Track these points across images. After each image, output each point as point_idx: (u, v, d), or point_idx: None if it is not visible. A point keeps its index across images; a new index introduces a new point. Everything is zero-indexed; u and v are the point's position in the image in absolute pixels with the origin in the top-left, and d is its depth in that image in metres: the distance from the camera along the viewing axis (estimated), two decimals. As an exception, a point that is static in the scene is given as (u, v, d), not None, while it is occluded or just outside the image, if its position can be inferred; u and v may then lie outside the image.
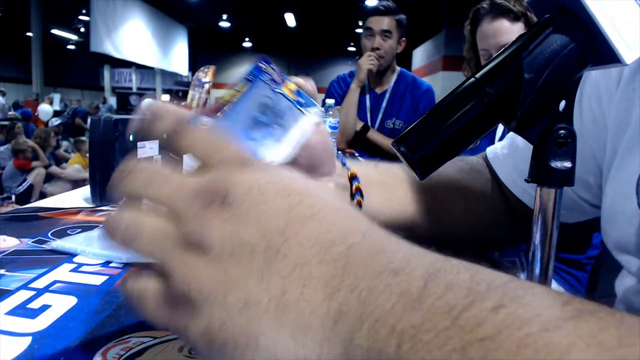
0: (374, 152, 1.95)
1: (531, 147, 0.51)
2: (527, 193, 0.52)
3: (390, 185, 0.51)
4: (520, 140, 0.52)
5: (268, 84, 0.32)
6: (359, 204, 0.42)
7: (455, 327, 0.15)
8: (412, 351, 0.16)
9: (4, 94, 9.69)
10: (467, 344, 0.15)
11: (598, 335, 0.15)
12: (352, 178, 0.45)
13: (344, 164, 0.47)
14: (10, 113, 8.71)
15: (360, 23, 2.09)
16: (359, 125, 1.91)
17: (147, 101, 0.28)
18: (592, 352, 0.14)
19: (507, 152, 0.54)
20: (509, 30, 1.25)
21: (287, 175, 0.22)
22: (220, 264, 0.19)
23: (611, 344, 0.14)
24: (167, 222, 0.20)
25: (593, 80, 0.46)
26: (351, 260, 0.19)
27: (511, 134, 0.54)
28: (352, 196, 0.43)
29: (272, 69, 0.32)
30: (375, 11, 1.89)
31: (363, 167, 0.50)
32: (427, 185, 0.52)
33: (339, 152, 0.40)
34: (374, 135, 1.92)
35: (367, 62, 1.85)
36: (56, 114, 8.78)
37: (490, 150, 0.57)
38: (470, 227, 0.54)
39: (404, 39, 1.94)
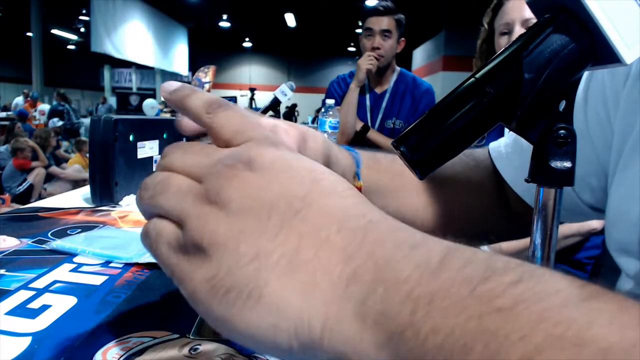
0: (374, 152, 1.95)
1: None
2: (530, 193, 0.52)
3: (400, 192, 0.52)
4: (524, 140, 0.52)
5: None
6: None
7: (472, 298, 0.15)
8: (427, 317, 0.16)
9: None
10: (484, 314, 0.15)
11: (618, 314, 0.14)
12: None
13: (357, 175, 0.47)
14: (9, 113, 8.68)
15: (360, 23, 2.09)
16: (359, 125, 1.91)
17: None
18: (614, 330, 0.14)
19: (512, 150, 0.54)
20: None
21: (309, 160, 0.22)
22: (237, 219, 0.19)
23: (632, 323, 0.14)
24: (193, 182, 0.21)
25: (599, 82, 0.46)
26: (370, 232, 0.19)
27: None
28: None
29: None
30: (375, 11, 1.89)
31: (374, 173, 0.49)
32: (435, 188, 0.52)
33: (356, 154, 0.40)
34: (374, 135, 1.92)
35: (367, 62, 1.85)
36: (55, 114, 8.76)
37: (493, 148, 0.57)
38: (467, 223, 0.54)
39: (403, 38, 1.94)
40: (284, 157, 0.21)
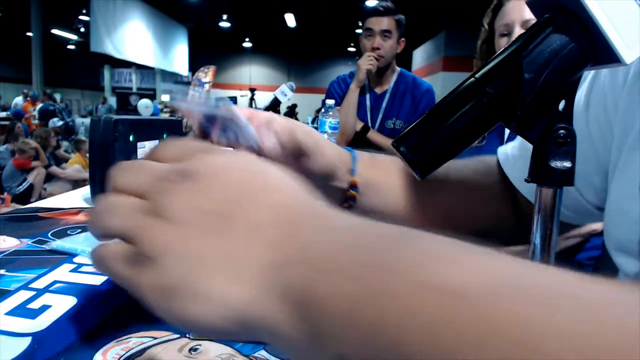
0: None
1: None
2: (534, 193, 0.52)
3: (394, 189, 0.52)
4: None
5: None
6: (348, 207, 0.49)
7: (362, 267, 0.19)
8: (322, 284, 0.19)
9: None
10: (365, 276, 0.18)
11: (481, 266, 0.17)
12: (352, 186, 0.48)
13: (352, 170, 0.49)
14: (8, 113, 8.67)
15: (360, 23, 2.09)
16: (359, 125, 1.91)
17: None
18: (472, 276, 0.16)
19: (518, 153, 0.54)
20: None
21: (245, 158, 0.26)
22: (181, 228, 0.22)
23: (492, 272, 0.16)
24: (138, 200, 0.24)
25: (600, 88, 0.46)
26: (298, 223, 0.22)
27: None
28: (345, 201, 0.48)
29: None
30: (375, 11, 1.89)
31: (369, 169, 0.51)
32: (434, 187, 0.53)
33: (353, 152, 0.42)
34: (373, 135, 1.92)
35: (366, 62, 1.85)
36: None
37: (501, 152, 0.58)
38: (464, 222, 0.55)
39: (403, 39, 1.94)
40: (217, 162, 0.24)
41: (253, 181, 0.24)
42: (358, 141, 1.93)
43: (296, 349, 0.20)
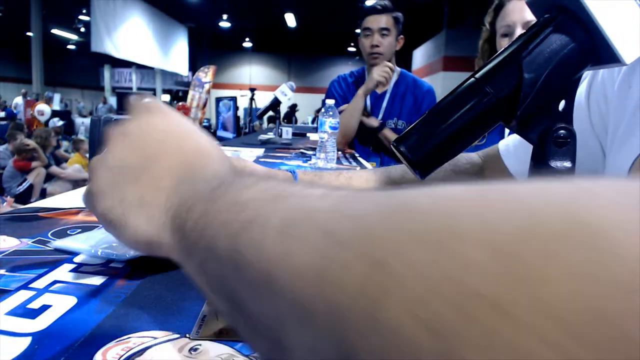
0: (375, 151, 1.96)
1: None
2: None
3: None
4: None
5: None
6: None
7: (223, 204, 0.23)
8: (190, 214, 0.25)
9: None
10: (230, 213, 0.22)
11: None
12: None
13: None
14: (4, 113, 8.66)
15: (359, 22, 2.09)
16: (375, 122, 1.91)
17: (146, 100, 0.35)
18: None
19: (519, 144, 0.55)
20: None
21: (175, 120, 0.33)
22: (111, 172, 0.31)
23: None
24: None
25: (599, 79, 0.47)
26: (185, 182, 0.29)
27: None
28: None
29: None
30: (373, 10, 1.89)
31: (311, 177, 0.57)
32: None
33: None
34: (388, 133, 1.92)
35: (381, 73, 1.84)
36: (55, 114, 8.74)
37: (502, 144, 0.58)
38: None
39: (402, 36, 1.94)
40: (144, 122, 0.32)
41: (165, 143, 0.31)
42: (372, 137, 1.92)
43: (180, 260, 0.27)
